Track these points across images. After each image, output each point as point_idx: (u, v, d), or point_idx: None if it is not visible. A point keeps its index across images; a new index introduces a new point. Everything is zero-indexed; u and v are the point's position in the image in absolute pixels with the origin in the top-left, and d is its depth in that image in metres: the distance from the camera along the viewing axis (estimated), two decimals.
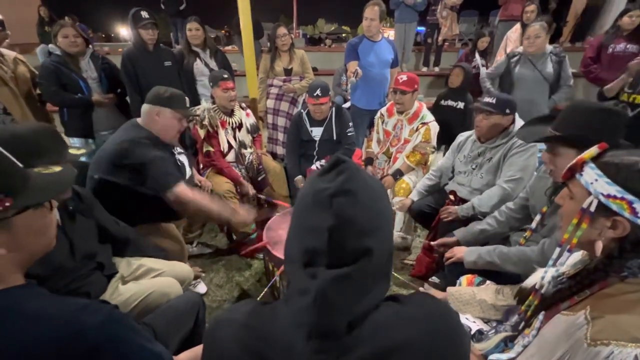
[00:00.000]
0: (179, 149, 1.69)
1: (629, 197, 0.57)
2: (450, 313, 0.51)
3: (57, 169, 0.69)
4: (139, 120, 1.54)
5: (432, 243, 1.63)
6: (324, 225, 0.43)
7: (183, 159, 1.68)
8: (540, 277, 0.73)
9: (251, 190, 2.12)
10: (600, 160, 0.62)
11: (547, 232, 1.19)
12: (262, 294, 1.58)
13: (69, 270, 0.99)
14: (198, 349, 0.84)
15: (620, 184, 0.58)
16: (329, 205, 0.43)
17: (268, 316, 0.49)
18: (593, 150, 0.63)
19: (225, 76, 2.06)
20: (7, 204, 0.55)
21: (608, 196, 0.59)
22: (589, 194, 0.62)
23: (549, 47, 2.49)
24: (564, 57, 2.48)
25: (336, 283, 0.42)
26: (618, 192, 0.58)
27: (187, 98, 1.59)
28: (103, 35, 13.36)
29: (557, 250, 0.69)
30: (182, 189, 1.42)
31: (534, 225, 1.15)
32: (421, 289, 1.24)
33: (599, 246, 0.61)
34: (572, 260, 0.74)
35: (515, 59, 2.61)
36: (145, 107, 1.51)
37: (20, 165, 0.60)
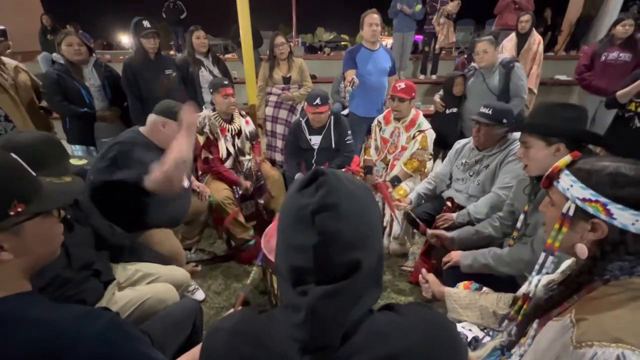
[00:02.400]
0: None
1: (602, 199, 0.60)
2: (447, 323, 0.51)
3: (68, 179, 0.72)
4: (140, 128, 1.55)
5: (428, 231, 1.64)
6: (308, 244, 0.41)
7: None
8: (528, 283, 0.75)
9: (250, 186, 2.13)
10: (573, 167, 0.66)
11: (532, 231, 1.22)
12: (247, 283, 1.54)
13: (65, 279, 0.99)
14: (195, 350, 0.85)
15: (593, 188, 0.61)
16: (311, 223, 0.42)
17: (264, 324, 0.49)
18: (567, 158, 0.67)
19: (225, 82, 2.10)
20: (20, 209, 0.57)
21: (584, 200, 0.62)
22: (567, 199, 0.65)
23: (501, 57, 2.48)
24: (513, 67, 2.39)
25: (326, 299, 0.42)
26: (592, 196, 0.61)
27: None
28: (105, 44, 13.47)
29: (542, 255, 0.71)
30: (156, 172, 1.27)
31: (519, 224, 1.19)
32: (422, 274, 1.21)
33: (582, 249, 0.63)
34: (562, 267, 0.75)
35: (470, 73, 2.64)
36: (152, 117, 1.53)
37: (33, 173, 0.63)
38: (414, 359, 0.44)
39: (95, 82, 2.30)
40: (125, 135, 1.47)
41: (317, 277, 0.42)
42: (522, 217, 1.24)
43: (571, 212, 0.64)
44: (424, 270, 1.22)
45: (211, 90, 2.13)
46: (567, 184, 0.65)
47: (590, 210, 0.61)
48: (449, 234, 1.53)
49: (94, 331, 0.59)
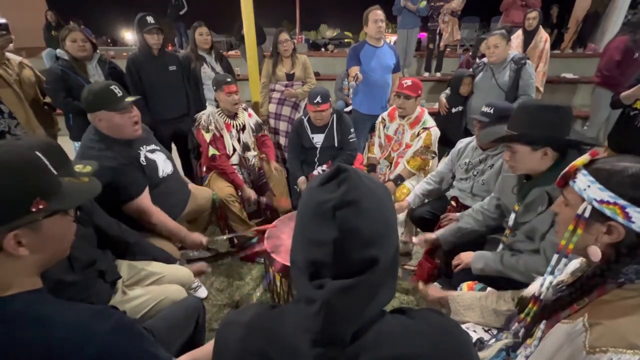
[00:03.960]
0: (149, 147, 1.60)
1: (622, 202, 0.58)
2: (459, 330, 0.50)
3: (86, 179, 0.74)
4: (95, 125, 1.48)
5: (414, 240, 1.65)
6: (328, 238, 0.42)
7: (156, 156, 1.62)
8: (539, 285, 0.73)
9: (253, 195, 2.12)
10: (592, 167, 0.63)
11: (530, 232, 1.20)
12: (255, 293, 1.57)
13: (69, 283, 0.99)
14: (197, 352, 0.86)
15: (613, 190, 0.59)
16: (332, 218, 0.42)
17: (276, 319, 0.50)
18: (585, 157, 0.65)
19: (229, 80, 2.06)
20: (41, 206, 0.59)
21: (601, 202, 0.60)
22: (583, 200, 0.63)
23: (512, 54, 2.44)
24: (524, 64, 2.37)
25: (342, 293, 0.42)
26: (611, 198, 0.59)
27: (113, 87, 1.40)
28: (109, 40, 13.48)
29: (555, 257, 0.69)
30: (140, 201, 1.43)
31: (510, 223, 1.18)
32: (419, 288, 1.21)
33: (596, 251, 0.61)
34: (571, 267, 0.74)
35: (479, 69, 2.61)
36: (88, 116, 1.45)
37: (55, 172, 0.64)
38: None
39: (99, 79, 2.29)
40: (87, 149, 1.40)
41: (334, 272, 0.43)
42: (513, 215, 1.22)
43: (587, 214, 0.62)
44: (420, 284, 1.22)
45: (214, 87, 2.11)
46: (585, 184, 0.62)
47: (608, 212, 0.59)
48: (433, 235, 1.54)
49: (104, 329, 0.59)
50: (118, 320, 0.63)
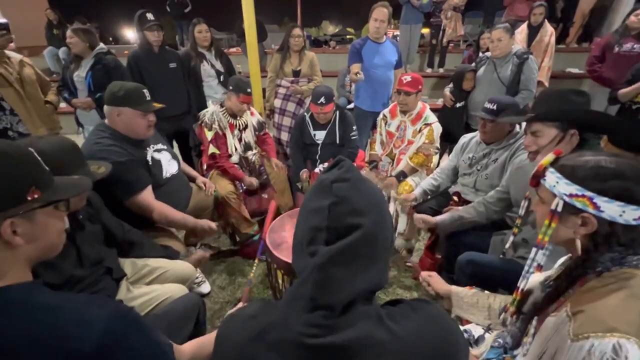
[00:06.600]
0: (157, 146, 1.63)
1: (588, 193, 0.61)
2: (446, 318, 0.53)
3: (76, 177, 0.78)
4: (107, 121, 1.48)
5: (415, 215, 1.64)
6: (325, 204, 0.49)
7: (162, 155, 1.63)
8: (522, 278, 0.76)
9: (255, 182, 2.12)
10: (557, 164, 0.68)
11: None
12: (251, 276, 1.56)
13: (79, 278, 1.01)
14: (204, 339, 0.88)
15: (578, 183, 0.62)
16: (329, 189, 0.50)
17: (274, 306, 0.54)
18: (550, 156, 0.70)
19: (249, 90, 2.03)
20: (36, 195, 0.61)
21: (570, 195, 0.63)
22: (555, 196, 0.66)
23: (515, 48, 2.41)
24: (527, 59, 2.34)
25: (332, 258, 0.47)
26: (578, 190, 0.62)
27: (145, 91, 1.50)
28: (110, 38, 13.50)
29: (533, 250, 0.72)
30: (143, 196, 1.43)
31: (522, 212, 1.15)
32: (422, 275, 1.17)
33: (578, 244, 0.65)
34: (558, 263, 0.76)
35: (482, 63, 2.58)
36: (105, 109, 1.46)
37: (47, 168, 0.67)
38: (406, 348, 0.46)
39: (82, 73, 2.33)
40: (94, 145, 1.39)
41: (326, 236, 0.48)
42: (524, 203, 1.19)
43: (559, 208, 0.65)
44: (423, 273, 1.17)
45: (230, 87, 2.04)
46: (553, 181, 0.66)
47: (578, 204, 0.62)
48: (433, 219, 1.54)
49: (101, 316, 0.60)
50: (114, 309, 0.63)
